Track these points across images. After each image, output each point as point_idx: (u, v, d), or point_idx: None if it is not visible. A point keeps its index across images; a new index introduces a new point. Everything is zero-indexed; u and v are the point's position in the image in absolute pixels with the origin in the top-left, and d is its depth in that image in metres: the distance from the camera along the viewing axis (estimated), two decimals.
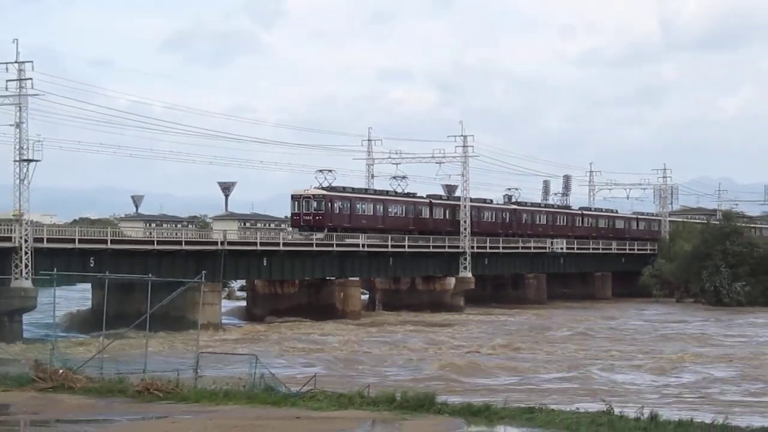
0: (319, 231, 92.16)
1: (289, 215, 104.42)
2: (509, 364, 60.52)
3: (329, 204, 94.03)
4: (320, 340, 73.53)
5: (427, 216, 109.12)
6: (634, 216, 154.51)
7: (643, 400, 40.26)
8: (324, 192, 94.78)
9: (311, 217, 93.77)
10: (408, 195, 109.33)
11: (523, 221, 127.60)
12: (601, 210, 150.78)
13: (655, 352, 68.55)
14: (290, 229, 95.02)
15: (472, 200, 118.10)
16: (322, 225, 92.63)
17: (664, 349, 71.01)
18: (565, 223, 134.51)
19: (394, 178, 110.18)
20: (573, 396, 43.93)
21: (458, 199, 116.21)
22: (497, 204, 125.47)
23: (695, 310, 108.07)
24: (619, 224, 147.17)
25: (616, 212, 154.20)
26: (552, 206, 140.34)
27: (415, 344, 71.96)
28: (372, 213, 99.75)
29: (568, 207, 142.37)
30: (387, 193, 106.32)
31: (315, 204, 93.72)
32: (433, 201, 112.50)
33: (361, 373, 53.23)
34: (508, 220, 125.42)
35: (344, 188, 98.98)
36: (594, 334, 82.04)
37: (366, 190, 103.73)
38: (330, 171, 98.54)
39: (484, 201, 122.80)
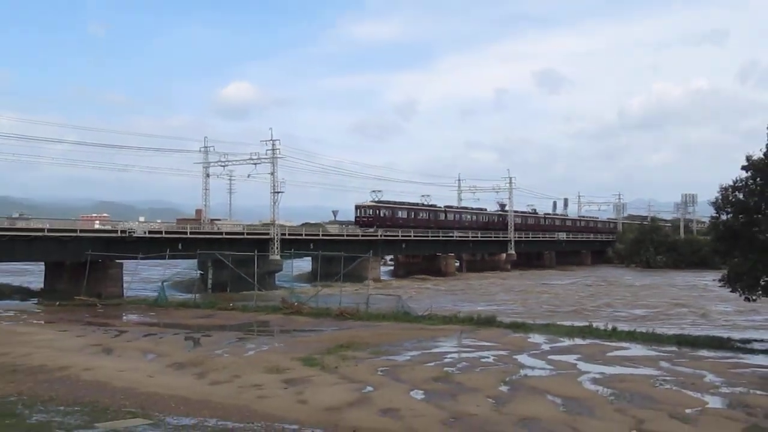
0: (370, 227, 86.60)
1: None
2: (545, 301, 60.03)
3: (377, 211, 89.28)
4: (433, 287, 73.74)
5: (443, 218, 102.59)
6: (595, 219, 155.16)
7: (614, 321, 39.86)
8: (374, 204, 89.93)
9: (366, 219, 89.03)
10: (431, 206, 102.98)
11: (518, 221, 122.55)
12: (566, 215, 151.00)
13: (620, 295, 67.44)
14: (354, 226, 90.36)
15: (481, 211, 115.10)
16: (373, 224, 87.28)
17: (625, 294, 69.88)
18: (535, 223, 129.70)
19: (422, 196, 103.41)
20: (573, 318, 43.52)
21: (466, 208, 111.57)
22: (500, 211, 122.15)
23: (637, 271, 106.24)
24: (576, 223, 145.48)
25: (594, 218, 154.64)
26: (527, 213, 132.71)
27: (494, 289, 71.75)
28: (406, 216, 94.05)
29: (535, 212, 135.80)
30: (417, 204, 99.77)
31: (370, 211, 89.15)
32: (447, 209, 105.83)
33: (458, 305, 53.11)
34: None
35: (388, 201, 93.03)
36: (591, 284, 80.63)
37: (402, 202, 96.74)
38: (379, 191, 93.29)
39: (520, 212, 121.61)
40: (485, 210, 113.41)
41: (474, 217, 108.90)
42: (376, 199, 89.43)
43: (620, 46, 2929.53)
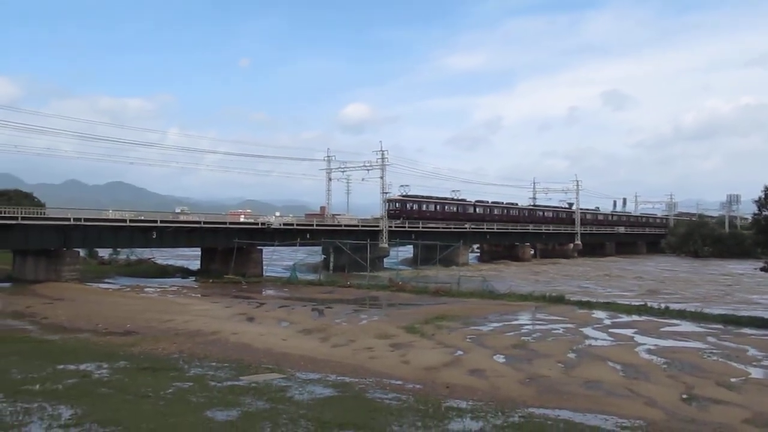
0: (397, 218, 78.12)
1: None
2: (607, 283, 58.48)
3: (404, 204, 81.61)
4: (509, 271, 72.66)
5: (472, 212, 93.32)
6: (646, 215, 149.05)
7: (668, 301, 38.48)
8: (401, 197, 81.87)
9: (394, 211, 79.58)
10: (461, 200, 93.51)
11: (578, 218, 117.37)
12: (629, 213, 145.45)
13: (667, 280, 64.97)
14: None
15: (560, 209, 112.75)
16: (400, 216, 79.07)
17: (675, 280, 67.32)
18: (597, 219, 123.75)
19: (452, 191, 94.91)
20: (630, 299, 42.19)
21: (497, 203, 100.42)
22: (563, 207, 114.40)
23: (686, 260, 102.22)
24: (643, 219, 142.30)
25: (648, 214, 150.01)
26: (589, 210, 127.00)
27: (557, 273, 70.29)
28: (433, 209, 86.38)
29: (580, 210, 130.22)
30: (445, 198, 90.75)
31: (398, 204, 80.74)
32: (477, 203, 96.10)
33: (534, 284, 52.17)
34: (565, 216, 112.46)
35: (415, 195, 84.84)
36: (651, 271, 78.04)
37: (429, 196, 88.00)
38: (407, 186, 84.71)
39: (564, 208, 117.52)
40: (516, 204, 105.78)
41: (505, 211, 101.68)
42: (404, 194, 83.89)
43: (676, 70, 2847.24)
